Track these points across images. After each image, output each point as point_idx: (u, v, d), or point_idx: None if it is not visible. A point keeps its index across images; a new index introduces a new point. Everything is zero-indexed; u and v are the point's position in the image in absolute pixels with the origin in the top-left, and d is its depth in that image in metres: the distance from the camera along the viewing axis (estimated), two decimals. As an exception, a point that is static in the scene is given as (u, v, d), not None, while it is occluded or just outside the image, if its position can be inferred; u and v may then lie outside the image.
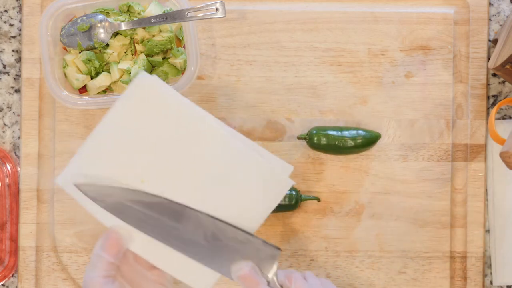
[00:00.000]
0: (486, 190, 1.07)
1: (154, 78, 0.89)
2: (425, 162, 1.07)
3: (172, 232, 0.87)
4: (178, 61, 1.04)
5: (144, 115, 0.88)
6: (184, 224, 0.87)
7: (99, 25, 1.03)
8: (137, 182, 0.88)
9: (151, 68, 1.04)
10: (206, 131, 0.89)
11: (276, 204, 0.89)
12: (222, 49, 1.07)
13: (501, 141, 0.99)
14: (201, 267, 0.88)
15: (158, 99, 0.88)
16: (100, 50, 1.04)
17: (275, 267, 0.87)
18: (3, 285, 1.07)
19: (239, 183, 0.88)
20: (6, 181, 1.06)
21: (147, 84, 0.89)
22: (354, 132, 1.04)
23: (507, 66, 0.98)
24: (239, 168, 0.88)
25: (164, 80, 1.04)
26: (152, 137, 0.88)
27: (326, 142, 1.03)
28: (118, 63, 1.04)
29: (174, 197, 0.87)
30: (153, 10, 1.03)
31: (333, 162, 1.06)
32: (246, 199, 0.88)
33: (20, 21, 1.08)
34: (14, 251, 1.06)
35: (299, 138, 1.05)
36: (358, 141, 1.04)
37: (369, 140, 1.04)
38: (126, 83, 1.03)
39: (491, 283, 1.07)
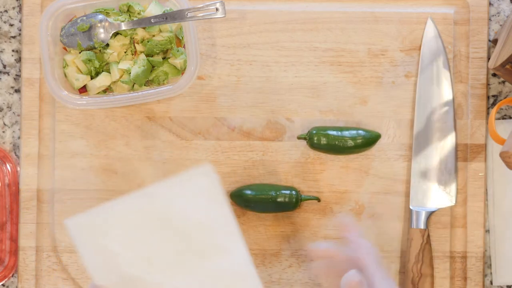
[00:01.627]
0: (486, 190, 1.07)
1: (213, 177, 0.86)
2: (425, 162, 1.07)
3: None
4: (178, 61, 1.04)
5: (183, 204, 0.85)
6: None
7: (99, 25, 1.03)
8: (144, 261, 0.85)
9: (151, 68, 1.04)
10: (232, 258, 0.85)
11: None
12: (222, 49, 1.07)
13: (501, 141, 0.99)
14: None
15: (204, 197, 0.85)
16: (100, 50, 1.04)
17: None
18: (3, 285, 1.07)
19: None
20: (6, 181, 1.06)
21: (203, 179, 0.86)
22: (354, 132, 1.04)
23: (507, 66, 0.98)
24: None
25: (164, 80, 1.04)
26: (179, 227, 0.85)
27: (326, 142, 1.03)
28: (118, 63, 1.04)
29: None
30: (153, 10, 1.03)
31: (333, 162, 1.06)
32: None
33: (20, 21, 1.08)
34: (14, 251, 1.06)
35: (299, 138, 1.05)
36: (358, 141, 1.04)
37: (369, 140, 1.04)
38: (126, 83, 1.03)
39: (491, 283, 1.07)
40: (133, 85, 1.04)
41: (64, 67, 1.04)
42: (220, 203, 0.86)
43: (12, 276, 1.07)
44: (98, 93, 1.04)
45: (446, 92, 1.06)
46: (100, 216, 0.86)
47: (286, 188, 1.04)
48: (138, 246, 0.85)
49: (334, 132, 1.04)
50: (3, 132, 1.08)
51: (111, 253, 0.85)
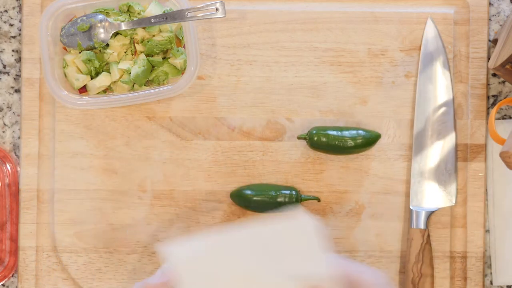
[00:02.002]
0: (486, 190, 1.07)
1: (312, 222, 0.85)
2: (425, 162, 1.07)
3: None
4: (178, 61, 1.04)
5: (274, 247, 0.85)
6: None
7: (99, 25, 1.03)
8: None
9: (151, 68, 1.04)
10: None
11: None
12: (222, 49, 1.07)
13: (501, 141, 0.99)
14: None
15: (298, 239, 0.85)
16: (100, 50, 1.04)
17: None
18: (3, 285, 1.07)
19: None
20: (6, 181, 1.06)
21: (301, 223, 0.85)
22: (354, 132, 1.04)
23: (507, 66, 0.98)
24: None
25: (164, 80, 1.04)
26: (272, 262, 0.85)
27: (326, 142, 1.03)
28: (118, 63, 1.04)
29: None
30: (153, 10, 1.03)
31: (333, 162, 1.06)
32: None
33: (20, 21, 1.08)
34: (14, 251, 1.06)
35: (299, 138, 1.05)
36: (358, 141, 1.04)
37: (369, 140, 1.04)
38: (126, 83, 1.03)
39: (491, 283, 1.07)
40: (133, 85, 1.04)
41: (64, 67, 1.04)
42: (313, 245, 0.85)
43: (12, 276, 1.07)
44: (98, 93, 1.04)
45: (446, 92, 1.06)
46: (195, 245, 0.85)
47: (286, 188, 1.04)
48: (228, 275, 0.85)
49: (334, 132, 1.04)
50: (3, 132, 1.08)
51: (201, 281, 0.84)
